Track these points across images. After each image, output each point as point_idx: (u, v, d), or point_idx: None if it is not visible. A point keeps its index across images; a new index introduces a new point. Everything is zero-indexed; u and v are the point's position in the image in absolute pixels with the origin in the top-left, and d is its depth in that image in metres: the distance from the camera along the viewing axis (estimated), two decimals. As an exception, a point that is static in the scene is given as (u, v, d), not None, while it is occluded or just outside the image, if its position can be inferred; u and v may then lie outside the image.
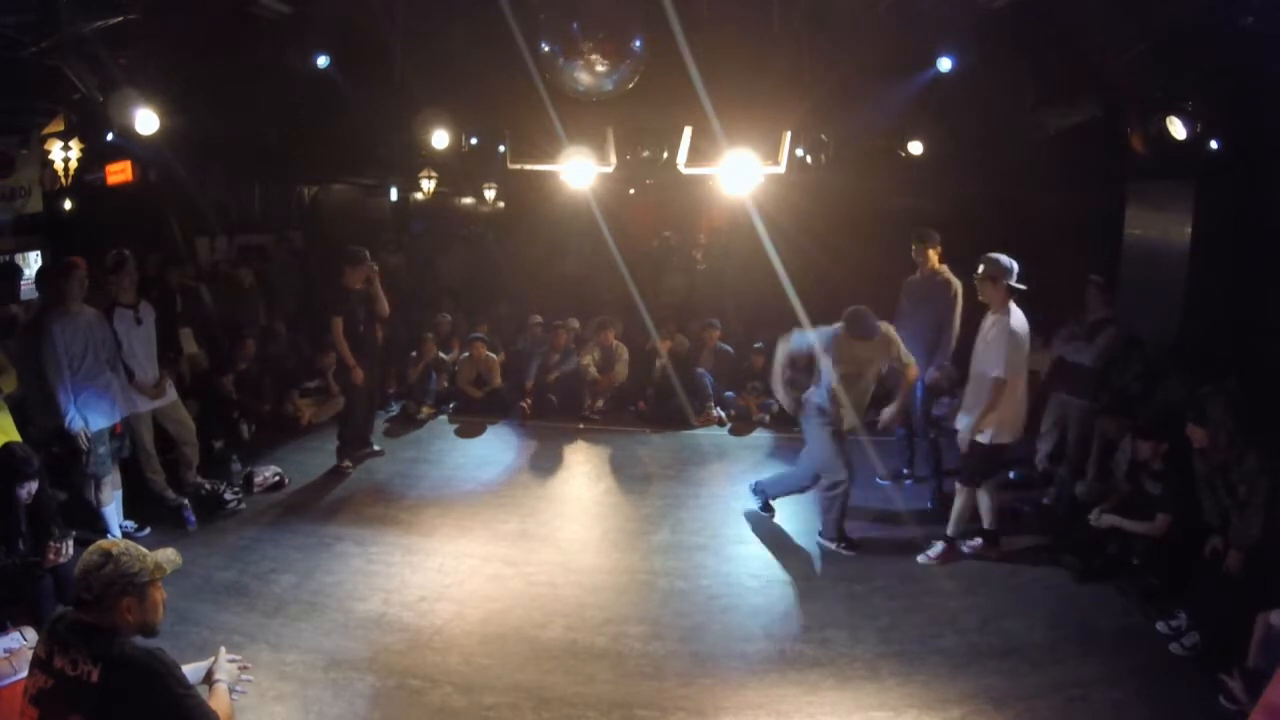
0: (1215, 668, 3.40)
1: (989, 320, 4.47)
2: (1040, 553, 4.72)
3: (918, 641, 3.86)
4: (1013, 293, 4.36)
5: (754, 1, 5.48)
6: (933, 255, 5.42)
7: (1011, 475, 5.92)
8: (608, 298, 8.89)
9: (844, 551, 4.78)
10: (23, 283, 6.86)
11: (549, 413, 7.52)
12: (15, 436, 4.17)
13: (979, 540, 4.73)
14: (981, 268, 4.44)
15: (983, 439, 4.45)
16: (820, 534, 4.90)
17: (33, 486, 3.69)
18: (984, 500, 4.66)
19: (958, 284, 5.28)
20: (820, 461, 4.85)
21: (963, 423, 4.57)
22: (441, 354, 7.92)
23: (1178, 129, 4.76)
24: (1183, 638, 3.76)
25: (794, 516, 5.30)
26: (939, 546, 4.69)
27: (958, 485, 4.74)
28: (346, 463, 6.08)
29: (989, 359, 4.37)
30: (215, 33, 5.16)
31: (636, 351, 7.81)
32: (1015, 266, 4.37)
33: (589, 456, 6.70)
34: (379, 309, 6.04)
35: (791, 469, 5.30)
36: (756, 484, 5.34)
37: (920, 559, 4.68)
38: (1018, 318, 4.35)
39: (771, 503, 5.28)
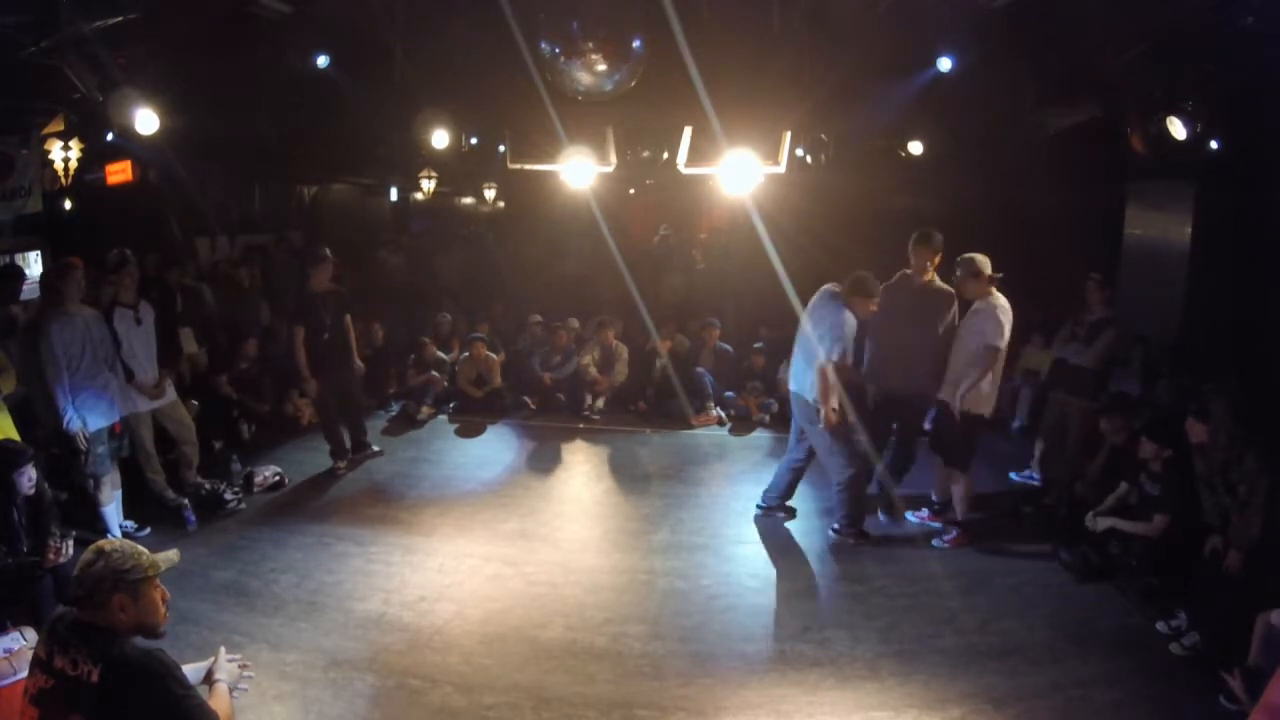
0: (1215, 667, 3.40)
1: (975, 305, 4.70)
2: (1040, 553, 4.72)
3: (918, 641, 3.86)
4: (992, 281, 4.61)
5: (754, 1, 5.49)
6: (935, 263, 4.89)
7: (1011, 475, 5.94)
8: (608, 298, 8.88)
9: (851, 541, 4.83)
10: (25, 284, 6.84)
11: (549, 412, 7.53)
12: (15, 436, 4.16)
13: (953, 531, 4.90)
14: (960, 270, 4.68)
15: (965, 408, 4.68)
16: (837, 528, 4.89)
17: (32, 473, 3.68)
18: (959, 489, 4.86)
19: (954, 292, 4.97)
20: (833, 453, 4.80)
21: (949, 394, 4.75)
22: (441, 354, 7.92)
23: (1178, 129, 4.78)
24: (1183, 638, 3.76)
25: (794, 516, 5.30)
26: (952, 532, 4.88)
27: (952, 473, 4.89)
28: (340, 464, 6.07)
29: (984, 332, 4.56)
30: (215, 33, 5.18)
31: (636, 351, 7.81)
32: (987, 259, 4.64)
33: (589, 456, 6.70)
34: (345, 310, 5.94)
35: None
36: (763, 497, 5.25)
37: (935, 542, 4.88)
38: (1001, 298, 4.61)
39: (788, 504, 5.22)
